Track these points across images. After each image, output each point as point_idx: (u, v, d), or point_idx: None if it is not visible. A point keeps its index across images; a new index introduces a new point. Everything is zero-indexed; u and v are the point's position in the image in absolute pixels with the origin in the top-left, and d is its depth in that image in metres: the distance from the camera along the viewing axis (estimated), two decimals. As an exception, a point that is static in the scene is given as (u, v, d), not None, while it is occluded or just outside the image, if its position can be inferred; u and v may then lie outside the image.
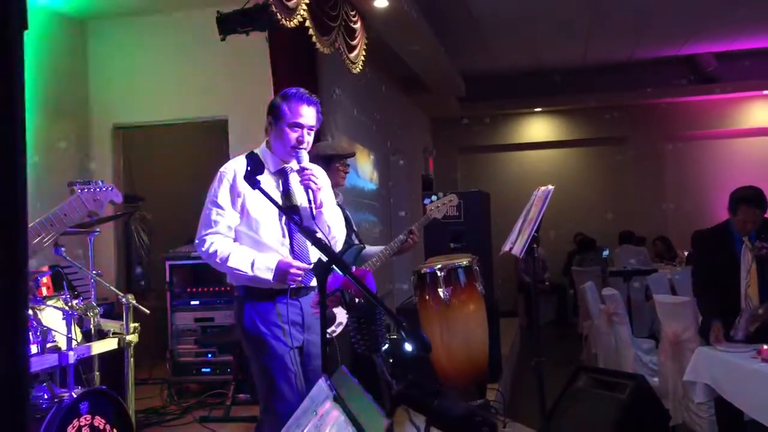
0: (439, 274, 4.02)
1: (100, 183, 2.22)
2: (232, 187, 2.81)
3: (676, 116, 11.62)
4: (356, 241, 4.21)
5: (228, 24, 4.72)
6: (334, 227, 2.87)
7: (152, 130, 6.97)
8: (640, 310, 7.89)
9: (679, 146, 11.70)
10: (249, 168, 2.30)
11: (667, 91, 10.79)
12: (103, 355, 3.94)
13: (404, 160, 9.73)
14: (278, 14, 4.17)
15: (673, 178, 11.66)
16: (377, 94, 8.38)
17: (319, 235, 2.16)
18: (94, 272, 3.93)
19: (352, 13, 5.72)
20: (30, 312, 3.28)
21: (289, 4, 4.25)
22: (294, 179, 2.95)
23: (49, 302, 3.44)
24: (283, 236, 2.79)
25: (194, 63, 6.26)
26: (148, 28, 6.48)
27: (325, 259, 1.87)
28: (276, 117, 2.87)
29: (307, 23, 4.69)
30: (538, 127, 12.40)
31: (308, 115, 2.86)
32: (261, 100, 5.46)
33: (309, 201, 2.69)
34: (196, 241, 2.83)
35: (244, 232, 2.84)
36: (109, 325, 3.76)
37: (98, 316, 3.69)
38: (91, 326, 3.64)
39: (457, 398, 1.11)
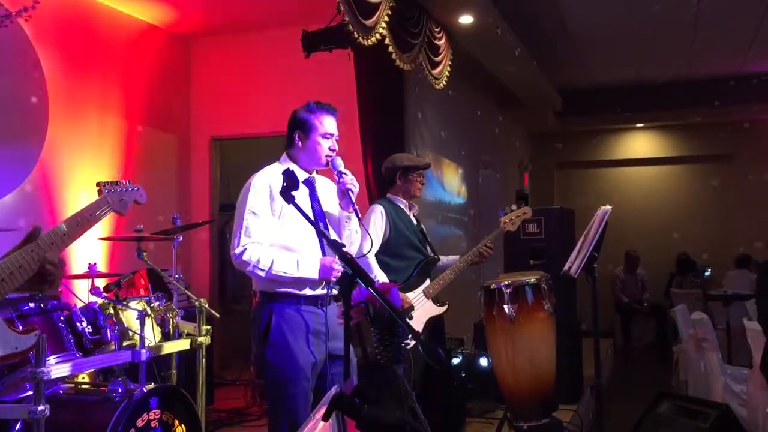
0: (505, 290, 4.01)
1: (127, 183, 2.37)
2: (269, 197, 2.92)
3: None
4: (431, 253, 4.27)
5: (312, 42, 4.93)
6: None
7: (248, 142, 7.29)
8: (741, 337, 7.48)
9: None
10: (285, 184, 2.41)
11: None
12: (183, 355, 4.18)
13: (496, 174, 9.68)
14: (355, 33, 4.31)
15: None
16: (467, 108, 8.40)
17: (346, 249, 2.25)
18: (176, 276, 4.17)
19: (437, 29, 5.79)
20: (111, 311, 3.54)
21: (367, 22, 4.38)
22: (322, 187, 3.12)
23: (131, 303, 3.69)
24: (320, 243, 2.90)
25: (287, 78, 6.51)
26: (246, 46, 6.81)
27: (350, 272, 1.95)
28: (306, 130, 3.03)
29: (387, 41, 4.80)
30: (640, 143, 12.01)
31: (334, 124, 3.07)
32: (348, 114, 5.69)
33: (350, 204, 2.84)
34: (237, 250, 2.91)
35: (278, 241, 2.93)
36: (186, 326, 3.98)
37: (177, 317, 3.92)
38: (170, 327, 3.87)
39: (396, 408, 1.15)
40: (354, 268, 2.01)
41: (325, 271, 2.86)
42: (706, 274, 9.60)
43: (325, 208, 3.10)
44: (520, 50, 7.35)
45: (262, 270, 2.87)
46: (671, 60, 9.14)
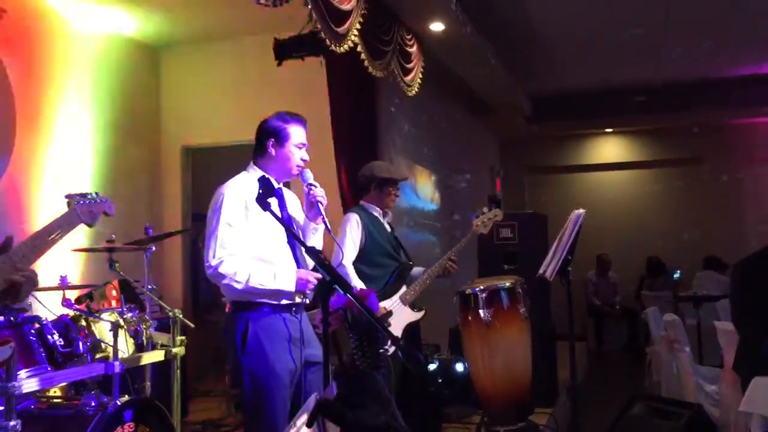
0: (480, 295, 4.02)
1: (95, 195, 2.37)
2: (242, 207, 2.91)
3: (755, 137, 11.17)
4: (405, 260, 4.28)
5: (283, 50, 4.92)
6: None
7: (219, 151, 7.24)
8: (712, 337, 7.59)
9: (759, 168, 11.24)
10: (261, 191, 2.40)
11: (745, 110, 10.40)
12: (157, 367, 4.13)
13: (468, 180, 9.73)
14: (327, 40, 4.31)
15: (753, 202, 11.19)
16: (439, 114, 8.44)
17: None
18: (148, 287, 4.12)
19: (408, 36, 5.82)
20: (83, 323, 3.49)
21: (339, 30, 4.38)
22: (289, 197, 3.14)
23: (104, 315, 3.64)
24: (293, 254, 2.89)
25: (258, 87, 6.49)
26: (216, 54, 6.77)
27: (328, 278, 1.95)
28: (281, 139, 3.03)
29: (359, 48, 4.81)
30: (609, 148, 12.17)
31: (305, 135, 3.09)
32: (321, 122, 5.67)
33: (318, 215, 2.88)
34: (213, 262, 2.87)
35: (251, 251, 2.91)
36: (160, 337, 3.93)
37: (150, 329, 3.88)
38: (143, 338, 3.82)
39: (381, 412, 1.15)
40: (332, 274, 2.01)
41: (301, 283, 2.87)
42: (676, 276, 9.72)
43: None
44: (490, 57, 7.40)
45: (238, 282, 2.85)
46: (639, 65, 9.27)
